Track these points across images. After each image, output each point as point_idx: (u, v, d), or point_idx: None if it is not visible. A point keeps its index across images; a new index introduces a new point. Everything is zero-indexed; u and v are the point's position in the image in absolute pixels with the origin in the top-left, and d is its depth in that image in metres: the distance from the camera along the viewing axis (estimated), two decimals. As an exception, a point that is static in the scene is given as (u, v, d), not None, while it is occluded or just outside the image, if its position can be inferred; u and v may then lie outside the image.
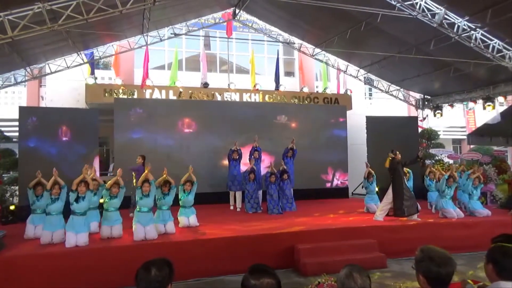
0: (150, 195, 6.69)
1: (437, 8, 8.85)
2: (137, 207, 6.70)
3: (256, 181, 9.68)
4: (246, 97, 13.29)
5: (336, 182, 12.63)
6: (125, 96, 11.89)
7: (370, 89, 18.68)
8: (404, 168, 9.51)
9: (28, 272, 5.40)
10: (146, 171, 6.83)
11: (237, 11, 12.86)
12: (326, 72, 14.98)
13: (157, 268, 1.96)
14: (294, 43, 13.79)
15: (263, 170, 10.68)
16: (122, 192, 6.83)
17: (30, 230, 6.80)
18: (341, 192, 12.53)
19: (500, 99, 12.11)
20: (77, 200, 6.17)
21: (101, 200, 7.13)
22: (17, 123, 9.73)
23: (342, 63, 14.23)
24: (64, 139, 9.83)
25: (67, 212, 6.41)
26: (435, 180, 9.50)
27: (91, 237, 6.28)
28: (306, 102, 13.79)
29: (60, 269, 5.54)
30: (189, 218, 7.57)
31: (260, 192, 10.09)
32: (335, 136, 12.81)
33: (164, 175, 7.15)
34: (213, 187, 10.93)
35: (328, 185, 12.61)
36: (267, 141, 11.40)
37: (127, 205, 8.49)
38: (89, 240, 6.07)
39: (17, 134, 9.96)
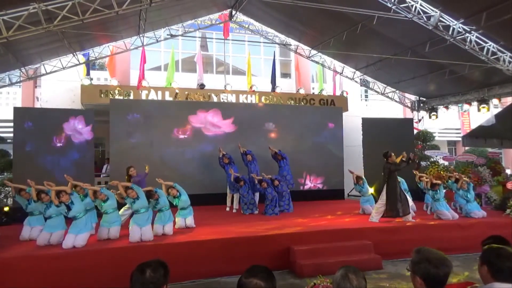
0: (140, 196, 6.59)
1: (432, 10, 8.90)
2: (134, 212, 6.60)
3: (246, 185, 9.53)
4: (242, 99, 13.30)
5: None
6: (121, 97, 11.87)
7: (366, 91, 18.73)
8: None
9: (22, 273, 5.35)
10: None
11: (233, 12, 12.87)
12: (322, 73, 15.01)
13: (152, 269, 1.96)
14: (291, 45, 13.81)
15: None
16: (111, 195, 6.74)
17: (26, 232, 6.76)
18: (337, 194, 12.53)
19: (495, 101, 12.20)
20: (68, 208, 6.09)
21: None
22: (11, 124, 9.68)
23: (338, 65, 14.26)
24: (59, 140, 9.78)
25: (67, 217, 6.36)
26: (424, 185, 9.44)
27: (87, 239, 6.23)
28: (302, 103, 13.82)
29: (55, 270, 5.49)
30: (186, 219, 7.54)
31: (257, 194, 10.07)
32: (331, 138, 12.82)
33: (150, 188, 7.05)
34: (209, 188, 10.89)
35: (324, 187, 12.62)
36: (263, 143, 11.42)
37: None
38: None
39: (11, 135, 9.90)
